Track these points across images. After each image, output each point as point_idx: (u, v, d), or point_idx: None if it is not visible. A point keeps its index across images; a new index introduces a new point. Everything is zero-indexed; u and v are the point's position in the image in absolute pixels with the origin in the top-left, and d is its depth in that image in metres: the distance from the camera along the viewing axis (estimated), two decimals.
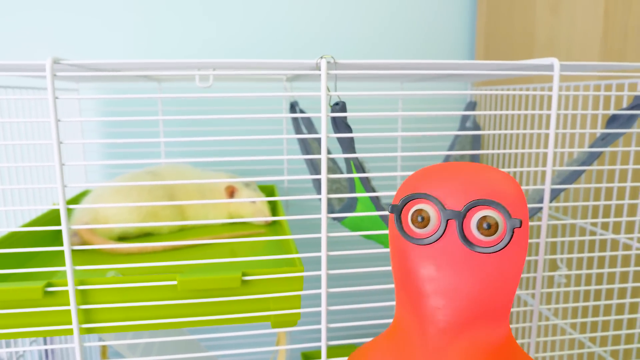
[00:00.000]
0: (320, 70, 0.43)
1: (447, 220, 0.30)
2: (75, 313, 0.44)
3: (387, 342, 0.34)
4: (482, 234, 0.30)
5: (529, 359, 0.33)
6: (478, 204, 0.30)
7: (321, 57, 0.42)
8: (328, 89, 0.43)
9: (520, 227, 0.29)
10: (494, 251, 0.30)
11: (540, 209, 0.53)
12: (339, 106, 0.45)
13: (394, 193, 0.46)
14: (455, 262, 0.30)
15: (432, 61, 0.43)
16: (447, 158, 0.88)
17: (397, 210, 0.32)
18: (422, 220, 0.31)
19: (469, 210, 0.30)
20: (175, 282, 0.45)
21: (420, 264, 0.31)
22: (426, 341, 0.31)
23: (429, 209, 0.31)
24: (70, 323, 0.45)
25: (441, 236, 0.31)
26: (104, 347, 0.79)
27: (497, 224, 0.29)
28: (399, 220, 0.32)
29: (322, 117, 0.43)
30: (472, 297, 0.30)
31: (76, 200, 0.78)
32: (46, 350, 0.73)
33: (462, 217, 0.30)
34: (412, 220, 0.31)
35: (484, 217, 0.30)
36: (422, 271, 0.31)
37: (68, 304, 0.45)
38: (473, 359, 0.30)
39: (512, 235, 0.29)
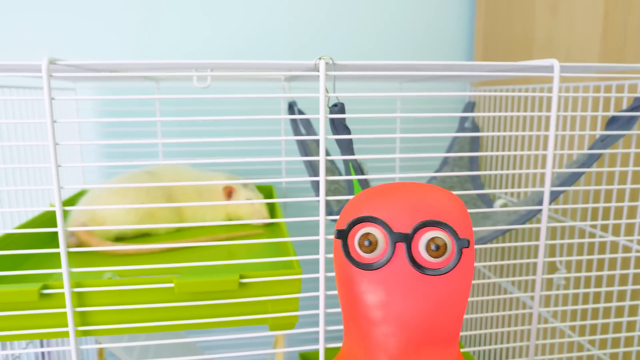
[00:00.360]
0: (318, 71, 0.42)
1: (395, 243, 0.30)
2: (71, 315, 0.44)
3: None
4: (430, 255, 0.29)
5: None
6: (426, 225, 0.29)
7: (320, 58, 0.41)
8: (327, 90, 0.43)
9: (468, 247, 0.29)
10: (443, 272, 0.29)
11: (540, 211, 0.53)
12: (338, 107, 0.45)
13: None
14: (404, 287, 0.30)
15: (432, 62, 0.42)
16: (445, 158, 0.88)
17: (344, 234, 0.31)
18: (370, 244, 0.30)
19: (416, 231, 0.29)
20: (172, 285, 0.45)
21: (368, 290, 0.30)
22: None
23: (377, 232, 0.30)
24: (66, 325, 0.45)
25: (389, 260, 0.30)
26: (101, 349, 0.79)
27: (445, 245, 0.29)
28: (345, 245, 0.31)
29: (321, 119, 0.43)
30: (422, 322, 0.29)
31: (73, 200, 0.78)
32: (42, 353, 0.72)
33: (410, 239, 0.29)
34: (359, 244, 0.30)
35: (432, 239, 0.29)
36: (370, 297, 0.30)
37: (64, 306, 0.45)
38: None
39: (460, 256, 0.29)
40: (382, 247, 0.30)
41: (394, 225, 0.30)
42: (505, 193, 0.85)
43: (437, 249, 0.29)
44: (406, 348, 0.29)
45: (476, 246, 0.57)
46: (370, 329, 0.30)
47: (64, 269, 0.43)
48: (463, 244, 0.29)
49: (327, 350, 0.99)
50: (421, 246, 0.29)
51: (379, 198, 0.31)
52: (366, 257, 0.30)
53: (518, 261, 0.48)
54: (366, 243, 0.30)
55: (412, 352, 0.30)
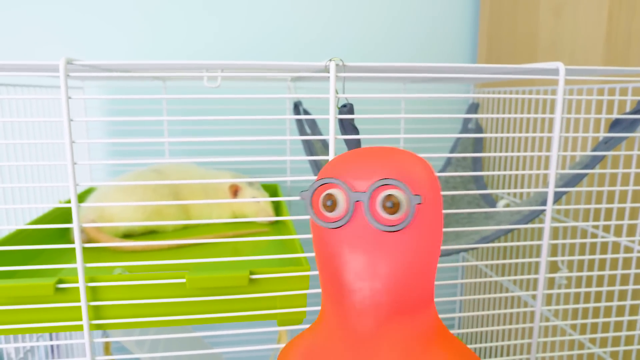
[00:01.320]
0: (329, 72, 0.43)
1: (355, 202, 0.31)
2: (85, 309, 0.45)
3: (312, 335, 0.34)
4: (387, 212, 0.30)
5: (459, 342, 0.34)
6: (382, 184, 0.31)
7: (330, 60, 0.42)
8: (337, 91, 0.44)
9: (420, 203, 0.30)
10: (399, 229, 0.30)
11: (543, 211, 0.54)
12: (347, 108, 0.46)
13: None
14: (367, 243, 0.31)
15: (440, 65, 0.43)
16: (449, 159, 0.89)
17: (308, 196, 0.33)
18: (332, 204, 0.31)
19: (373, 190, 0.31)
20: (184, 280, 0.46)
21: (334, 247, 0.32)
22: (351, 329, 0.31)
23: (337, 192, 0.32)
24: (79, 319, 0.46)
25: (350, 218, 0.31)
26: (107, 342, 0.80)
27: (399, 203, 0.30)
28: (310, 205, 0.33)
29: (331, 119, 0.44)
30: (389, 278, 0.31)
31: (81, 198, 0.79)
32: (52, 346, 0.73)
33: (368, 197, 0.31)
34: (323, 204, 0.32)
35: (388, 196, 0.30)
36: (337, 254, 0.32)
37: (78, 301, 0.46)
38: (401, 344, 0.31)
39: (414, 212, 0.30)
40: (342, 207, 0.31)
41: (353, 185, 0.32)
42: (509, 194, 0.86)
43: (392, 205, 0.30)
44: (376, 304, 0.31)
45: (480, 245, 0.58)
46: (340, 286, 0.31)
47: (79, 264, 0.44)
48: (416, 200, 0.30)
49: None
50: (378, 204, 0.31)
51: (343, 162, 0.33)
52: (329, 215, 0.32)
53: (521, 260, 0.49)
54: (328, 203, 0.31)
55: (383, 310, 0.31)
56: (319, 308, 0.48)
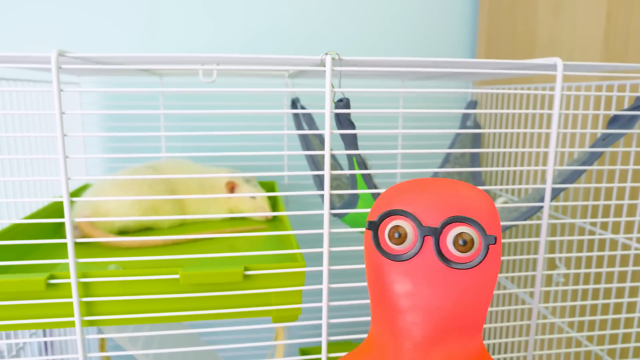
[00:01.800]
0: (325, 66, 0.43)
1: (424, 237, 0.31)
2: (77, 305, 0.44)
3: (362, 357, 0.34)
4: (458, 250, 0.30)
5: None
6: (454, 221, 0.30)
7: (326, 54, 0.42)
8: (332, 86, 0.43)
9: (494, 243, 0.30)
10: (469, 267, 0.30)
11: (541, 208, 0.53)
12: (343, 102, 0.45)
13: None
14: (431, 278, 0.31)
15: (437, 59, 0.43)
16: (447, 156, 0.88)
17: (375, 226, 0.32)
18: (400, 236, 0.31)
19: (445, 226, 0.31)
20: (177, 276, 0.45)
21: (397, 280, 0.31)
22: (401, 356, 0.31)
23: (406, 225, 0.31)
24: (72, 315, 0.45)
25: (418, 252, 0.31)
26: (102, 339, 0.79)
27: (472, 241, 0.30)
28: (375, 236, 0.32)
29: (327, 113, 0.43)
30: (447, 313, 0.31)
31: (77, 194, 0.78)
32: (45, 343, 0.73)
33: (438, 233, 0.31)
34: (389, 236, 0.31)
35: (460, 234, 0.30)
36: (398, 287, 0.31)
37: (70, 296, 0.45)
38: None
39: (487, 252, 0.30)
40: (411, 240, 0.31)
41: (424, 219, 0.31)
42: (506, 191, 0.86)
43: (465, 244, 0.30)
44: (430, 336, 0.30)
45: None
46: (396, 317, 0.31)
47: (70, 260, 0.43)
48: (490, 241, 0.30)
49: (329, 344, 0.99)
50: (449, 241, 0.30)
51: (410, 192, 0.32)
52: (396, 248, 0.32)
53: (519, 257, 0.49)
54: (396, 235, 0.31)
55: (436, 341, 0.31)
56: (315, 305, 0.48)
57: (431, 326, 0.30)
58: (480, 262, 0.30)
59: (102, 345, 0.80)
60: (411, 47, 0.98)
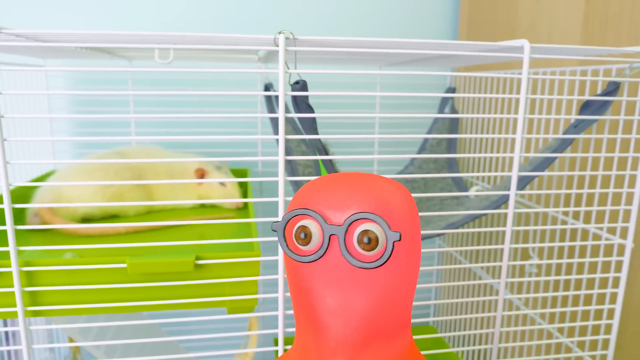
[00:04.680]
0: (278, 46, 0.41)
1: (330, 236, 0.29)
2: (19, 295, 0.42)
3: None
4: (363, 248, 0.29)
5: None
6: (358, 218, 0.29)
7: (279, 33, 0.40)
8: (287, 67, 0.41)
9: (399, 240, 0.28)
10: (375, 266, 0.28)
11: (508, 196, 0.52)
12: (299, 85, 0.43)
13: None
14: (341, 279, 0.29)
15: (403, 40, 0.41)
16: (423, 143, 0.87)
17: (280, 227, 0.31)
18: (305, 237, 0.29)
19: (350, 224, 0.29)
20: (124, 265, 0.43)
21: (308, 281, 0.30)
22: None
23: (312, 224, 0.30)
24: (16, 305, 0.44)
25: (325, 252, 0.29)
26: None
27: (377, 238, 0.28)
28: (283, 237, 0.31)
29: (280, 95, 0.41)
30: (363, 314, 0.29)
31: (41, 180, 0.76)
32: (6, 332, 0.71)
33: (344, 231, 0.29)
34: (295, 237, 0.30)
35: (364, 231, 0.28)
36: (311, 289, 0.30)
37: (13, 286, 0.43)
38: None
39: (392, 249, 0.28)
40: (317, 240, 0.29)
41: (330, 217, 0.29)
42: (482, 179, 0.85)
43: (369, 241, 0.28)
44: (350, 340, 0.29)
45: (446, 231, 0.56)
46: (314, 320, 0.30)
47: (11, 247, 0.41)
48: (394, 237, 0.28)
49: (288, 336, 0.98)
50: (354, 239, 0.29)
51: (317, 190, 0.31)
52: (303, 249, 0.30)
53: (485, 247, 0.48)
54: (302, 235, 0.29)
55: (356, 344, 0.29)
56: (272, 295, 0.46)
57: (348, 329, 0.29)
58: (386, 261, 0.28)
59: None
60: (391, 31, 0.96)
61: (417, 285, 0.49)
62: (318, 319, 0.29)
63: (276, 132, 0.70)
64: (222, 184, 0.72)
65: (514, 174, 0.47)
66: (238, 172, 0.86)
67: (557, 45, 0.43)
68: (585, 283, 0.64)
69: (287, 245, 0.31)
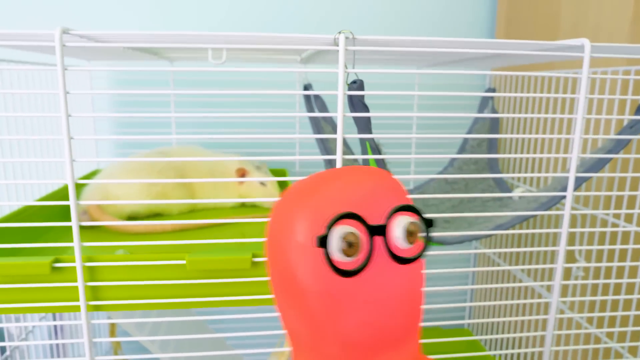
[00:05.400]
0: (338, 45, 0.41)
1: (373, 238, 0.25)
2: (82, 290, 0.44)
3: None
4: (408, 242, 0.25)
5: None
6: (398, 210, 0.25)
7: (339, 32, 0.40)
8: (346, 66, 0.41)
9: (432, 225, 0.26)
10: (418, 257, 0.26)
11: (562, 198, 0.51)
12: (357, 84, 0.43)
13: (408, 177, 0.45)
14: (386, 285, 0.25)
15: (454, 39, 0.40)
16: (463, 144, 0.86)
17: (324, 240, 0.24)
18: (351, 246, 0.24)
19: (389, 219, 0.25)
20: (184, 262, 0.44)
21: (346, 298, 0.24)
22: None
23: (356, 229, 0.24)
24: (77, 299, 0.45)
25: (370, 258, 0.25)
26: (112, 325, 0.79)
27: (419, 230, 0.26)
28: (327, 254, 0.24)
29: (339, 95, 0.41)
30: (399, 316, 0.26)
31: (87, 179, 0.77)
32: (55, 327, 0.73)
33: (384, 229, 0.25)
34: (340, 249, 0.24)
35: (409, 224, 0.25)
36: (342, 304, 0.24)
37: (76, 281, 0.44)
38: None
39: (429, 236, 0.26)
40: (361, 246, 0.25)
41: (369, 217, 0.25)
42: (524, 180, 0.83)
43: (412, 234, 0.26)
44: (370, 346, 0.25)
45: (494, 232, 0.56)
46: (337, 335, 0.25)
47: (75, 243, 0.42)
48: (428, 223, 0.26)
49: None
50: (398, 234, 0.25)
51: (335, 188, 0.26)
52: (348, 261, 0.25)
53: (537, 249, 0.47)
54: (346, 245, 0.24)
55: (374, 350, 0.26)
56: None
57: (375, 338, 0.25)
58: (425, 249, 0.26)
59: (112, 330, 0.80)
60: (427, 30, 0.95)
61: (452, 287, 0.48)
62: (343, 334, 0.25)
63: (315, 132, 0.71)
64: (262, 183, 0.73)
65: (572, 175, 0.47)
66: (276, 172, 0.86)
67: (620, 44, 0.42)
68: (638, 287, 0.62)
69: (331, 262, 0.24)
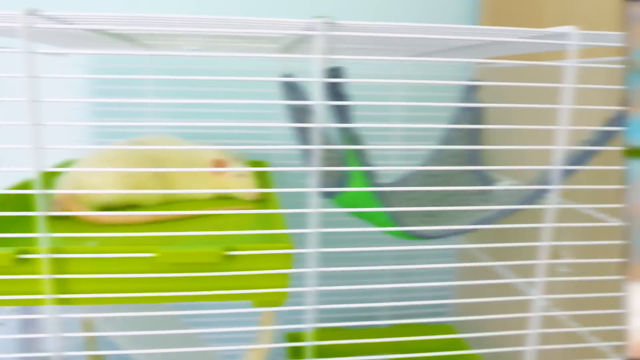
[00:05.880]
0: (316, 30, 0.39)
1: None
2: (48, 282, 0.42)
3: None
4: None
5: None
6: None
7: (317, 17, 0.38)
8: (324, 53, 0.40)
9: None
10: None
11: (545, 192, 0.50)
12: (337, 71, 0.42)
13: (390, 169, 0.44)
14: None
15: (439, 25, 0.39)
16: (447, 134, 0.84)
17: None
18: None
19: None
20: (154, 255, 0.42)
21: None
22: None
23: None
24: (44, 292, 0.43)
25: None
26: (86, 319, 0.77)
27: None
28: None
29: (317, 82, 0.40)
30: None
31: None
32: (26, 320, 0.70)
33: None
34: None
35: None
36: None
37: (42, 273, 0.42)
38: None
39: None
40: None
41: None
42: (507, 173, 0.83)
43: None
44: None
45: (476, 227, 0.55)
46: None
47: (41, 233, 0.40)
48: None
49: (318, 330, 0.97)
50: None
51: None
52: None
53: (518, 244, 0.46)
54: None
55: None
56: (301, 290, 0.45)
57: None
58: None
59: (88, 324, 0.78)
60: (406, 21, 0.94)
61: (434, 284, 0.47)
62: None
63: (294, 122, 0.69)
64: (239, 174, 0.71)
65: (557, 168, 0.46)
66: (254, 164, 0.84)
67: (608, 32, 0.41)
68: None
69: None
